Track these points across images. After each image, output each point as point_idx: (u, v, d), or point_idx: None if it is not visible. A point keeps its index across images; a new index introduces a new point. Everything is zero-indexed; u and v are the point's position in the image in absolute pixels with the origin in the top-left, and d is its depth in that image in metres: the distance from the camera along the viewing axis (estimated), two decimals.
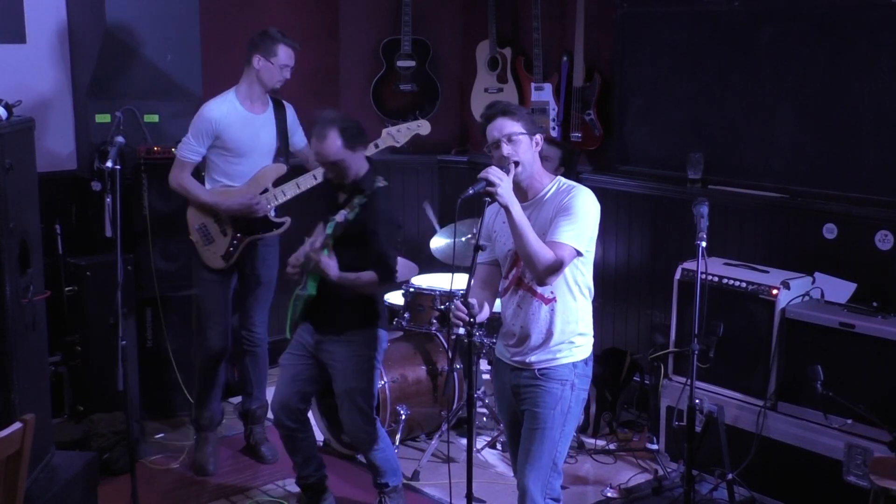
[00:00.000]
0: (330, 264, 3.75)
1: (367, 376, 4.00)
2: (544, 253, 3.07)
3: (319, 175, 4.42)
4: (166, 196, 4.81)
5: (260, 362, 4.87)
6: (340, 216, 3.74)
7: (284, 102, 4.65)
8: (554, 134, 5.66)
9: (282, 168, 4.58)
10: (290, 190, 4.52)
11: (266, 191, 4.51)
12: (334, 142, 3.79)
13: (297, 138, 4.72)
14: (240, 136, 4.47)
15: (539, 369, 3.26)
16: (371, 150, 4.35)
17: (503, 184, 3.02)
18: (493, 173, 3.03)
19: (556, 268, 3.09)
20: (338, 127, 3.80)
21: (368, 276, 3.82)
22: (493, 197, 3.02)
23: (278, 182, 4.56)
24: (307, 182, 4.50)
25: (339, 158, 3.81)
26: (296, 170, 4.64)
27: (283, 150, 4.63)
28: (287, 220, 4.64)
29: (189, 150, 4.46)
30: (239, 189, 4.51)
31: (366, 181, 3.90)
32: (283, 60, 4.46)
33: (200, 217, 4.51)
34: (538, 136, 3.25)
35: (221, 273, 4.58)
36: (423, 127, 4.66)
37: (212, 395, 4.71)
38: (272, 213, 4.62)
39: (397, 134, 4.54)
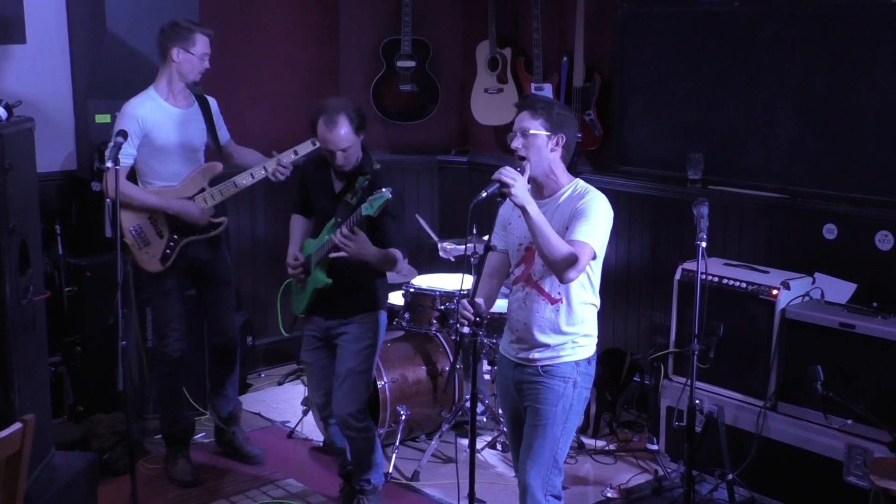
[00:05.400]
0: (366, 241, 3.75)
1: (368, 362, 4.03)
2: (564, 249, 3.07)
3: (257, 173, 4.34)
4: None
5: (235, 365, 4.77)
6: (365, 209, 3.68)
7: (206, 96, 4.51)
8: None
9: (217, 167, 4.42)
10: (228, 189, 4.38)
11: (203, 190, 4.37)
12: (346, 128, 3.79)
13: (222, 133, 4.58)
14: (168, 134, 4.31)
15: (542, 366, 3.27)
16: (290, 157, 4.33)
17: (517, 183, 3.00)
18: (507, 174, 3.01)
19: (576, 263, 3.09)
20: (346, 113, 3.81)
21: (395, 252, 3.84)
22: (509, 197, 3.01)
23: (214, 181, 4.40)
24: (244, 180, 4.37)
25: (349, 145, 3.82)
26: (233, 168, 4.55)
27: (215, 145, 4.51)
28: (224, 219, 4.48)
29: (122, 153, 4.04)
30: (176, 189, 4.35)
31: (366, 164, 3.93)
32: (202, 49, 4.32)
33: (135, 218, 4.30)
34: (560, 136, 3.20)
35: (170, 279, 4.40)
36: None
37: (179, 404, 4.62)
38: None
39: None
